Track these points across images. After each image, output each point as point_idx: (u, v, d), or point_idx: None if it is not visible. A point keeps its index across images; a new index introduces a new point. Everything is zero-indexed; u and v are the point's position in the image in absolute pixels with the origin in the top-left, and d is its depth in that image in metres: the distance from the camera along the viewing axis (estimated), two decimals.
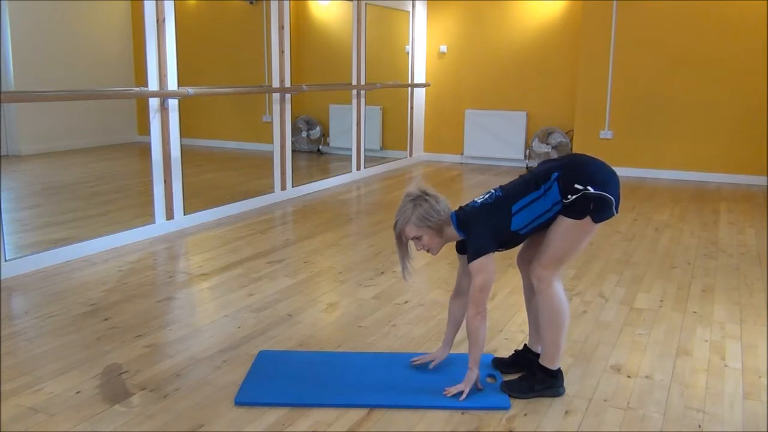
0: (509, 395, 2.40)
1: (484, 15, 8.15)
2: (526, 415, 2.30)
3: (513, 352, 2.68)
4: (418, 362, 2.63)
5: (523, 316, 3.22)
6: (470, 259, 2.31)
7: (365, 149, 7.39)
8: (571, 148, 7.79)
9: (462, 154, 8.48)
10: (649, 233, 4.89)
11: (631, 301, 3.47)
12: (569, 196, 2.27)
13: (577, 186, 2.26)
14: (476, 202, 2.40)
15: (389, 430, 2.21)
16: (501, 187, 2.42)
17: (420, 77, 8.49)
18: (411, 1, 8.10)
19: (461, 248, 2.46)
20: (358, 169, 7.32)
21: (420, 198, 2.34)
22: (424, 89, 8.61)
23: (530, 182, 2.35)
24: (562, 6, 7.77)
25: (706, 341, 2.96)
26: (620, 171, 7.76)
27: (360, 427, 2.22)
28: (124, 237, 4.47)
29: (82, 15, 8.10)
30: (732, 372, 2.65)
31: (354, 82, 7.04)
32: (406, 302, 3.39)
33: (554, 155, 7.87)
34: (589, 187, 2.25)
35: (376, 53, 7.47)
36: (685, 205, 5.95)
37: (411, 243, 2.42)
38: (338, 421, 2.25)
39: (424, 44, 8.50)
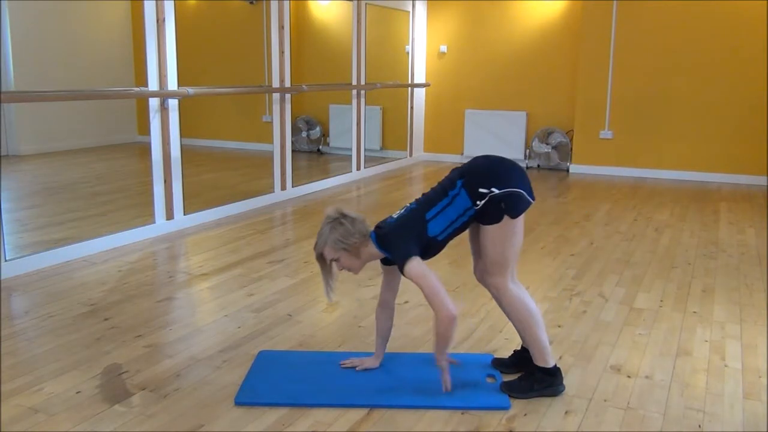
0: (509, 395, 2.40)
1: (484, 15, 8.16)
2: (526, 415, 2.30)
3: (512, 351, 2.68)
4: (347, 365, 2.63)
5: None
6: (402, 269, 2.31)
7: (365, 149, 7.39)
8: (571, 148, 7.79)
9: (462, 154, 8.48)
10: (649, 233, 4.89)
11: (631, 301, 3.47)
12: (478, 202, 2.31)
13: (481, 190, 2.31)
14: (393, 217, 2.44)
15: (389, 430, 2.21)
16: (416, 200, 2.46)
17: (420, 77, 8.49)
18: (411, 1, 8.10)
19: (386, 260, 2.48)
20: (358, 169, 7.32)
21: (336, 221, 2.37)
22: (424, 89, 8.61)
23: (439, 192, 2.40)
24: (562, 6, 7.77)
25: (706, 341, 2.96)
26: (620, 171, 7.74)
27: (360, 427, 2.22)
28: (124, 237, 4.47)
29: (82, 15, 8.10)
30: (732, 372, 2.65)
31: (354, 82, 7.04)
32: (406, 302, 3.39)
33: (554, 155, 7.87)
34: (493, 189, 2.29)
35: (376, 53, 7.48)
36: (685, 205, 5.95)
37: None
38: (338, 421, 2.25)
39: (424, 44, 8.50)
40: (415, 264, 2.28)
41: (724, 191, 6.66)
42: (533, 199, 2.37)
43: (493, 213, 2.31)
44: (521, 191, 2.32)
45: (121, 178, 7.07)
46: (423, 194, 2.47)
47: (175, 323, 3.11)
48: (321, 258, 2.40)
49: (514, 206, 2.31)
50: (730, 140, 7.11)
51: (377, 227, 2.43)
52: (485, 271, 2.44)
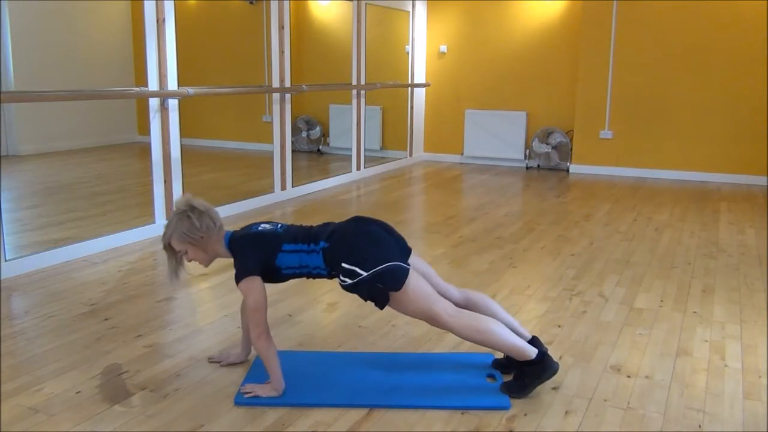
0: (509, 396, 2.40)
1: (484, 15, 8.16)
2: (526, 415, 2.30)
3: None
4: (214, 360, 2.68)
5: (523, 316, 3.23)
6: (237, 280, 2.35)
7: (365, 149, 7.39)
8: (571, 148, 7.79)
9: (462, 154, 8.48)
10: (649, 233, 4.89)
11: (631, 301, 3.47)
12: (344, 279, 2.31)
13: (345, 266, 2.31)
14: (256, 227, 2.47)
15: (389, 430, 2.21)
16: (286, 226, 2.49)
17: (420, 77, 8.49)
18: (411, 1, 8.10)
19: None
20: (358, 169, 7.32)
21: (184, 214, 2.39)
22: (424, 89, 8.61)
23: (308, 234, 2.42)
24: (562, 6, 7.77)
25: (706, 341, 2.96)
26: (620, 171, 7.74)
27: (360, 427, 2.22)
28: (124, 237, 4.47)
29: (82, 15, 8.10)
30: (732, 372, 2.65)
31: (354, 82, 7.04)
32: None
33: (554, 155, 7.87)
34: (359, 271, 2.29)
35: (376, 53, 7.47)
36: (685, 205, 5.95)
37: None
38: (338, 421, 2.25)
39: (424, 44, 8.50)
40: (251, 282, 2.32)
41: (724, 191, 6.66)
42: (408, 266, 2.36)
43: (378, 295, 2.33)
44: (391, 263, 2.30)
45: (121, 178, 7.07)
46: (297, 225, 2.52)
47: (175, 323, 3.11)
48: (168, 248, 2.44)
49: (392, 280, 2.30)
50: (730, 140, 7.11)
51: (237, 231, 2.48)
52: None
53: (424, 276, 2.46)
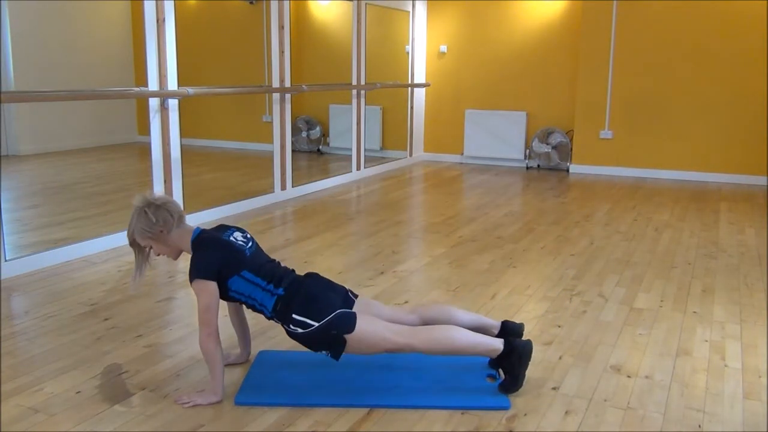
0: (507, 394, 2.40)
1: (484, 15, 8.16)
2: (526, 415, 2.30)
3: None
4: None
5: (523, 316, 3.22)
6: (190, 279, 2.36)
7: (365, 149, 7.39)
8: (571, 148, 7.79)
9: (462, 154, 8.48)
10: (649, 233, 4.89)
11: (631, 301, 3.47)
12: (294, 328, 2.34)
13: (295, 316, 2.34)
14: (228, 234, 2.48)
15: (389, 430, 2.21)
16: (256, 248, 2.51)
17: (420, 77, 8.49)
18: (411, 1, 8.10)
19: None
20: (358, 169, 7.31)
21: (141, 210, 2.43)
22: (424, 89, 8.61)
23: (272, 273, 2.44)
24: (562, 6, 7.77)
25: (706, 341, 2.96)
26: (620, 171, 7.74)
27: (360, 427, 2.22)
28: (124, 237, 4.45)
29: (82, 15, 8.10)
30: (732, 372, 2.65)
31: (354, 82, 7.04)
32: (406, 302, 3.39)
33: (554, 155, 7.87)
34: (311, 322, 2.32)
35: (376, 53, 7.47)
36: (685, 205, 5.95)
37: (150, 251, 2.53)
38: (338, 421, 2.25)
39: (424, 44, 8.50)
40: (204, 283, 2.34)
41: (724, 191, 6.66)
42: (352, 309, 2.42)
43: (333, 342, 2.34)
44: (339, 311, 2.35)
45: (121, 178, 7.07)
46: (264, 255, 2.54)
47: (175, 323, 3.11)
48: (134, 244, 2.49)
49: (344, 325, 2.33)
50: (730, 140, 7.11)
51: (204, 230, 2.48)
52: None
53: (372, 315, 2.47)
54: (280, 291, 2.41)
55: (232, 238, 2.47)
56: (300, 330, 2.35)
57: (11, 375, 2.57)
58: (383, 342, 2.36)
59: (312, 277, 2.54)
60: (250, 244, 2.50)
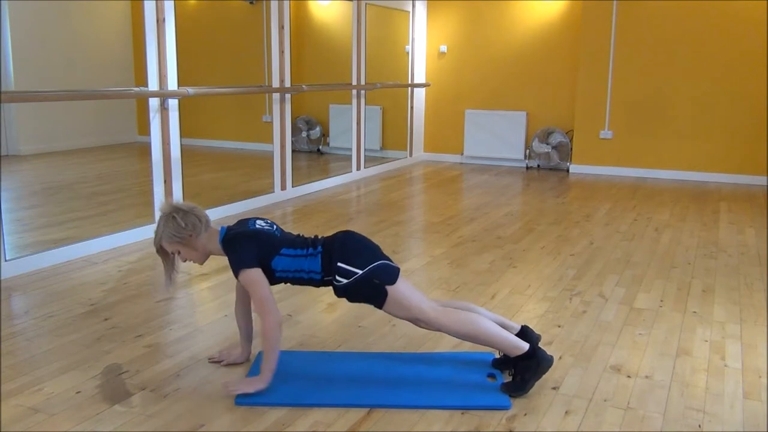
0: (510, 396, 2.40)
1: (484, 15, 8.16)
2: (526, 415, 2.30)
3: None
4: (214, 360, 2.69)
5: (523, 316, 3.23)
6: (235, 271, 2.39)
7: (365, 149, 7.39)
8: (571, 148, 7.79)
9: (462, 154, 8.48)
10: (649, 233, 4.89)
11: (631, 301, 3.47)
12: (339, 279, 2.39)
13: (341, 265, 2.38)
14: (252, 223, 2.51)
15: (389, 430, 2.21)
16: (281, 229, 2.55)
17: (420, 77, 8.49)
18: (411, 1, 8.10)
19: None
20: (358, 169, 7.32)
21: (169, 216, 2.44)
22: (424, 89, 8.61)
23: (304, 241, 2.49)
24: (562, 6, 7.77)
25: (706, 341, 2.96)
26: (620, 171, 7.73)
27: (360, 427, 2.22)
28: (124, 237, 4.47)
29: (82, 15, 8.10)
30: (732, 372, 2.65)
31: (354, 82, 7.04)
32: None
33: (554, 155, 7.87)
34: (356, 270, 2.38)
35: (376, 53, 7.47)
36: (685, 205, 5.95)
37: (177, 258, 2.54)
38: (338, 421, 2.25)
39: (424, 44, 8.50)
40: (251, 273, 2.37)
41: (724, 191, 6.66)
42: (397, 267, 2.47)
43: (375, 292, 2.40)
44: (382, 261, 2.42)
45: (121, 178, 7.07)
46: (288, 232, 2.58)
47: (175, 323, 3.11)
48: (161, 251, 2.50)
49: (387, 275, 2.40)
50: (730, 140, 7.11)
51: (230, 227, 2.51)
52: (414, 324, 2.51)
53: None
54: (320, 249, 2.45)
55: (257, 226, 2.50)
56: (344, 281, 2.39)
57: (11, 375, 2.57)
58: (417, 310, 2.42)
59: (348, 232, 2.56)
60: (275, 227, 2.55)
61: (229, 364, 2.65)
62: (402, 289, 2.43)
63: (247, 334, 2.70)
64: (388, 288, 2.40)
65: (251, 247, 2.42)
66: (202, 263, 2.55)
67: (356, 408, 2.34)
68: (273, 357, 2.38)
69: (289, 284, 2.52)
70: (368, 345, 2.88)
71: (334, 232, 2.58)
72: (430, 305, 2.46)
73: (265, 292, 2.37)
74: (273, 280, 2.47)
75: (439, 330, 2.47)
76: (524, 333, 2.57)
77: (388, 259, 2.49)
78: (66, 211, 5.36)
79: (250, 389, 2.36)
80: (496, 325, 2.47)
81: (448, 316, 2.44)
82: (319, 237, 2.54)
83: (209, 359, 2.71)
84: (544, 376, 2.46)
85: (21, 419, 2.25)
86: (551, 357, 2.46)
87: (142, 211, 4.80)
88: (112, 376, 2.57)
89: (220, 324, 3.11)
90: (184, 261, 2.52)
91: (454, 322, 2.43)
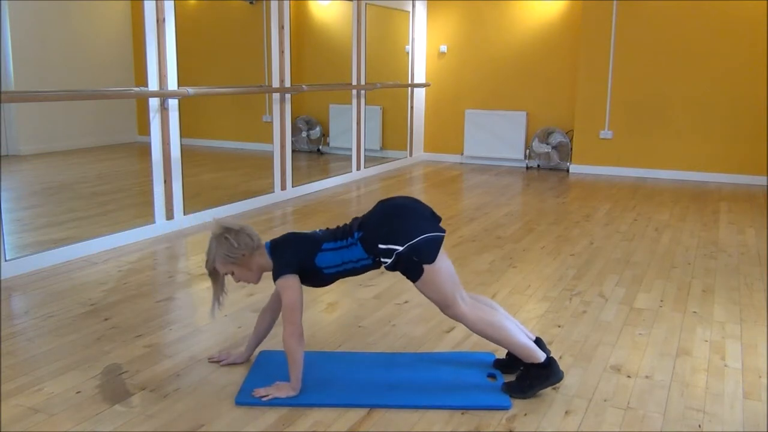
0: (510, 396, 2.40)
1: (484, 15, 8.16)
2: (526, 415, 2.30)
3: (507, 352, 2.67)
4: (214, 360, 2.69)
5: (523, 316, 3.23)
6: (274, 277, 2.38)
7: (365, 149, 7.39)
8: (571, 148, 7.79)
9: (462, 154, 8.48)
10: (649, 233, 4.89)
11: (631, 301, 3.47)
12: (383, 259, 2.35)
13: (381, 246, 2.34)
14: (295, 233, 2.51)
15: (389, 430, 2.21)
16: (324, 230, 2.53)
17: (420, 77, 8.49)
18: (411, 1, 8.10)
19: None
20: (358, 169, 7.32)
21: (221, 237, 2.40)
22: (424, 89, 8.61)
23: (344, 231, 2.46)
24: (562, 6, 7.77)
25: (706, 341, 2.96)
26: (620, 171, 7.72)
27: (360, 427, 2.22)
28: (124, 237, 4.47)
29: (82, 15, 8.10)
30: (732, 372, 2.65)
31: (354, 82, 7.04)
32: (406, 302, 3.39)
33: (554, 155, 7.87)
34: (395, 247, 2.32)
35: (376, 53, 7.47)
36: (685, 205, 5.95)
37: (226, 279, 2.51)
38: (338, 421, 2.25)
39: (424, 44, 8.50)
40: (288, 279, 2.35)
41: (724, 191, 6.66)
42: (442, 232, 2.40)
43: (412, 268, 2.36)
44: (425, 235, 2.34)
45: (121, 178, 7.07)
46: (332, 228, 2.54)
47: (175, 323, 3.11)
48: (213, 273, 2.46)
49: (426, 253, 2.35)
50: (730, 140, 7.11)
51: (274, 239, 2.49)
52: (439, 309, 2.47)
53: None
54: (357, 235, 2.41)
55: (298, 232, 2.51)
56: (388, 260, 2.35)
57: (11, 375, 2.57)
58: (447, 298, 2.39)
59: (382, 203, 2.51)
60: (318, 230, 2.53)
61: (228, 364, 2.65)
62: (439, 272, 2.37)
63: (257, 336, 2.68)
64: (426, 267, 2.36)
65: (290, 252, 2.41)
66: (257, 282, 2.50)
67: (356, 408, 2.34)
68: (294, 366, 2.37)
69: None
70: (368, 345, 2.88)
71: (374, 207, 2.51)
72: (462, 296, 2.43)
73: (294, 299, 2.34)
74: (325, 279, 2.45)
75: (460, 322, 2.45)
76: (538, 343, 2.57)
77: (431, 223, 2.41)
78: (66, 211, 5.36)
79: (282, 395, 2.37)
80: (518, 330, 2.46)
81: (476, 314, 2.42)
82: (358, 219, 2.49)
83: (209, 359, 2.71)
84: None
85: (21, 419, 2.25)
86: (563, 373, 2.47)
87: (142, 211, 4.80)
88: (112, 376, 2.57)
89: (220, 324, 3.11)
90: (238, 282, 2.49)
91: (480, 321, 2.41)
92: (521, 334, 2.46)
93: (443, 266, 2.40)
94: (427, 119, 8.73)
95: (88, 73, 7.97)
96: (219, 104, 7.61)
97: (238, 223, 2.45)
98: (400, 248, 2.32)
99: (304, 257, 2.41)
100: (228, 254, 2.39)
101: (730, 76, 7.00)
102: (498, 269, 3.98)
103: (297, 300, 2.34)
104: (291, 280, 2.36)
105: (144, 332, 3.00)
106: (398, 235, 2.34)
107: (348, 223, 2.53)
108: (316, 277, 2.45)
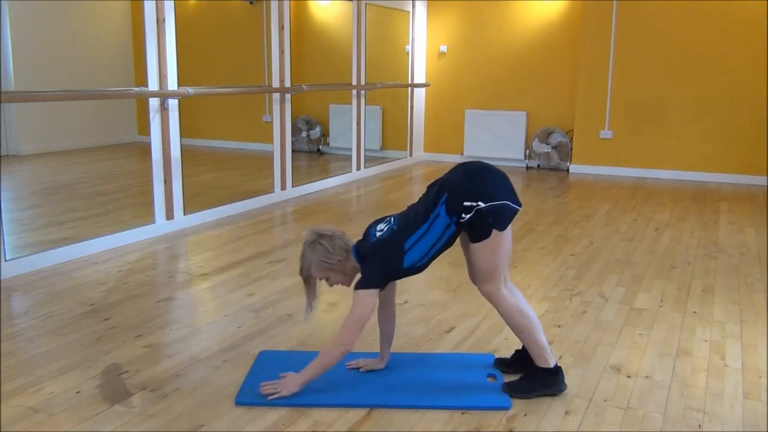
0: (511, 396, 2.40)
1: (484, 15, 8.16)
2: (526, 415, 2.30)
3: (513, 351, 2.68)
4: (352, 365, 2.64)
5: None
6: (357, 287, 2.35)
7: (365, 149, 7.39)
8: (571, 148, 7.79)
9: (462, 154, 8.48)
10: (649, 233, 4.89)
11: (631, 301, 3.47)
12: (464, 215, 2.29)
13: (466, 204, 2.29)
14: (374, 235, 2.42)
15: (389, 430, 2.21)
16: (398, 217, 2.43)
17: (420, 77, 8.49)
18: (411, 1, 8.10)
19: None
20: (358, 169, 7.32)
21: (315, 243, 2.39)
22: (424, 89, 8.61)
23: (421, 214, 2.36)
24: (562, 6, 7.77)
25: (706, 341, 2.96)
26: (620, 171, 7.71)
27: (360, 427, 2.22)
28: (124, 237, 4.47)
29: (82, 15, 8.10)
30: (732, 372, 2.65)
31: (354, 82, 7.04)
32: (406, 302, 3.39)
33: (554, 155, 7.87)
34: (479, 203, 2.28)
35: (376, 53, 7.47)
36: (685, 205, 5.95)
37: (318, 283, 2.47)
38: (338, 421, 2.25)
39: (424, 44, 8.50)
40: (367, 294, 2.32)
41: (724, 191, 6.66)
42: (519, 206, 2.37)
43: (481, 228, 2.31)
44: (507, 202, 2.32)
45: (121, 178, 7.07)
46: (408, 208, 2.45)
47: (175, 323, 3.11)
48: (308, 279, 2.43)
49: (501, 219, 2.31)
50: (730, 140, 7.11)
51: (360, 240, 2.45)
52: (477, 280, 2.44)
53: None
54: (443, 198, 2.32)
55: (378, 235, 2.41)
56: (468, 216, 2.28)
57: (11, 375, 2.57)
58: (495, 270, 2.37)
59: (467, 168, 2.40)
60: (393, 220, 2.44)
61: (368, 371, 2.61)
62: (502, 242, 2.33)
63: (387, 333, 2.63)
64: (494, 232, 2.30)
65: (380, 273, 2.37)
66: (350, 285, 2.48)
67: (356, 408, 2.34)
68: (317, 369, 2.37)
69: (323, 285, 2.48)
70: (368, 345, 2.88)
71: (455, 167, 2.44)
72: (506, 277, 2.43)
73: (364, 315, 2.31)
74: (421, 268, 2.40)
75: (493, 302, 2.43)
76: None
77: (513, 193, 2.36)
78: (66, 211, 5.37)
79: (285, 393, 2.36)
80: (542, 331, 2.46)
81: (512, 300, 2.41)
82: (434, 185, 2.40)
83: (347, 365, 2.63)
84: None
85: (21, 419, 2.25)
86: (566, 386, 2.47)
87: (142, 211, 4.80)
88: (112, 376, 2.57)
89: (220, 324, 3.11)
90: (332, 286, 2.47)
91: (514, 307, 2.41)
92: (543, 335, 2.46)
93: (507, 239, 2.36)
94: (427, 119, 8.73)
95: (88, 73, 7.97)
96: (219, 104, 7.61)
97: (331, 229, 2.44)
98: (483, 205, 2.27)
99: (392, 274, 2.39)
100: (324, 260, 2.37)
101: (730, 76, 7.00)
102: None
103: (366, 317, 2.31)
104: (370, 298, 2.33)
105: (144, 332, 3.00)
106: (484, 193, 2.30)
107: (423, 197, 2.43)
108: (411, 272, 2.41)
